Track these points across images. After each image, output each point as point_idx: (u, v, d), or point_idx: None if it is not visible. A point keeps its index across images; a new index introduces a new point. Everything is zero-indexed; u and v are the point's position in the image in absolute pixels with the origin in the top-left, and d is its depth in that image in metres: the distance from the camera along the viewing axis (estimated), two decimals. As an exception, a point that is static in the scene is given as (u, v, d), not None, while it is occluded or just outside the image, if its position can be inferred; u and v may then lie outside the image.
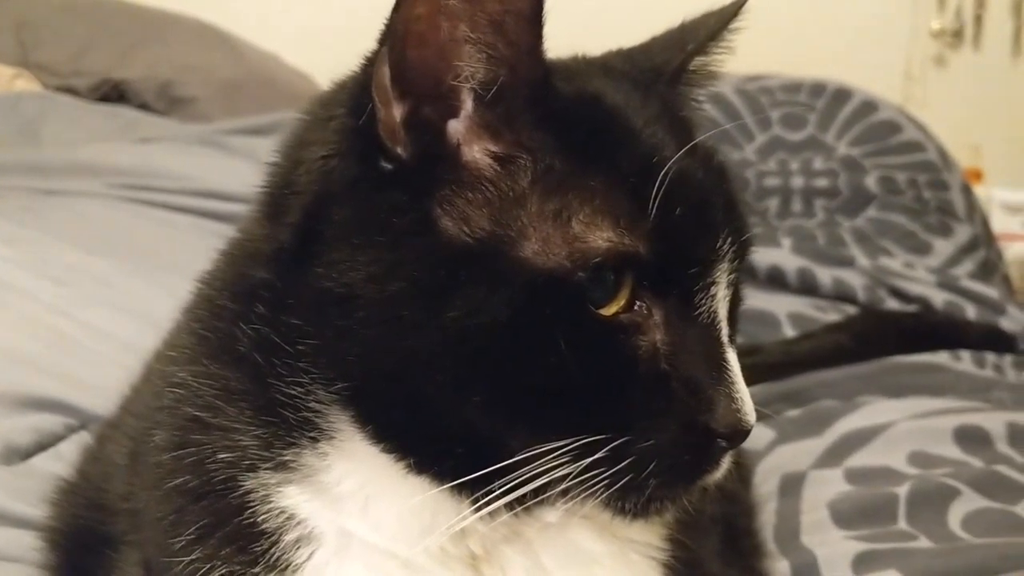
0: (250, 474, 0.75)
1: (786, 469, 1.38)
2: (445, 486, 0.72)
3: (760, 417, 1.57)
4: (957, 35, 3.55)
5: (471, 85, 0.69)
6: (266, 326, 0.74)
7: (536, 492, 0.71)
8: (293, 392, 0.73)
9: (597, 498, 0.72)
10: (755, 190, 2.51)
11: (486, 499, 0.71)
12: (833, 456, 1.40)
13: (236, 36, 3.03)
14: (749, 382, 1.74)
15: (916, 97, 3.47)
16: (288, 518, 0.75)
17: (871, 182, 2.48)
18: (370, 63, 0.70)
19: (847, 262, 2.22)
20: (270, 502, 0.75)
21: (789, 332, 1.95)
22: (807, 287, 2.15)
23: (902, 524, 1.19)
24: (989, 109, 3.48)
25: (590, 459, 0.69)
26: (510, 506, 0.73)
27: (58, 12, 2.94)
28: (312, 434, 0.74)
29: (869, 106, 2.63)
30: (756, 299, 2.08)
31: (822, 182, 2.50)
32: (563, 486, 0.71)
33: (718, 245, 0.73)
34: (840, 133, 2.59)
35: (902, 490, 1.24)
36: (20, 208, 1.92)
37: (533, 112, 0.70)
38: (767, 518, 1.27)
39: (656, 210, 0.69)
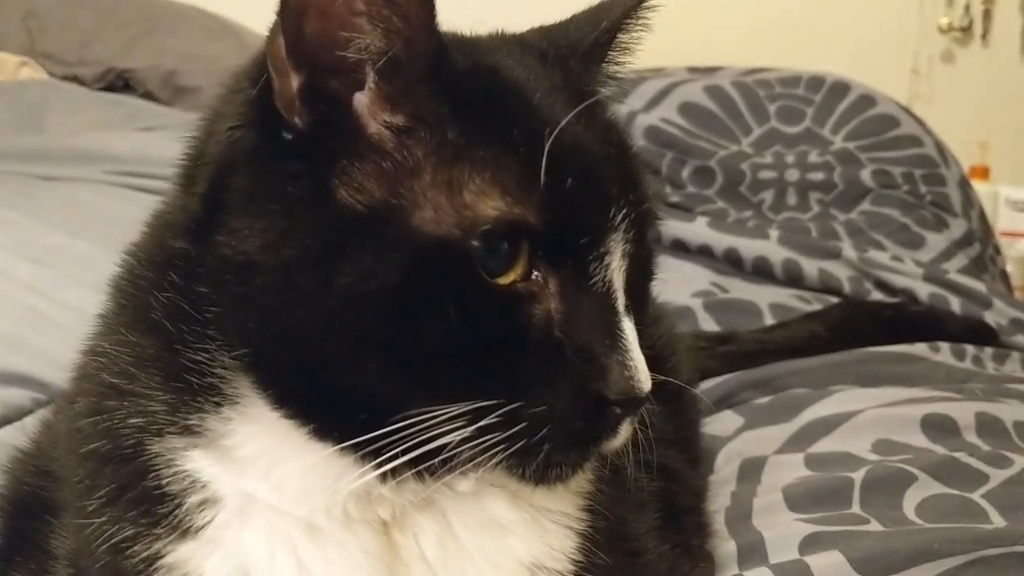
0: (157, 439, 0.77)
1: (748, 454, 1.38)
2: (343, 445, 0.73)
3: (731, 405, 1.58)
4: (965, 31, 3.53)
5: (367, 57, 0.70)
6: (177, 294, 0.75)
7: (437, 453, 0.72)
8: (199, 358, 0.75)
9: (495, 462, 0.72)
10: (750, 183, 2.51)
11: (384, 459, 0.72)
12: (797, 442, 1.40)
13: (241, 26, 3.04)
14: (722, 370, 1.72)
15: (923, 93, 3.46)
16: (192, 482, 0.76)
17: (867, 176, 2.48)
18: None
19: (834, 254, 2.21)
20: (175, 466, 0.76)
21: (770, 322, 1.95)
22: (793, 279, 2.15)
23: (855, 508, 1.18)
24: (997, 106, 3.46)
25: (482, 423, 0.70)
26: (416, 471, 0.74)
27: (64, 2, 2.98)
28: (216, 399, 0.75)
29: (867, 100, 2.62)
30: (740, 289, 2.08)
31: (818, 175, 2.50)
32: (462, 450, 0.72)
33: (611, 215, 0.73)
34: (837, 127, 2.58)
35: (858, 475, 1.23)
36: (13, 193, 1.95)
37: (429, 84, 0.72)
38: (722, 500, 1.27)
39: (547, 180, 0.70)
